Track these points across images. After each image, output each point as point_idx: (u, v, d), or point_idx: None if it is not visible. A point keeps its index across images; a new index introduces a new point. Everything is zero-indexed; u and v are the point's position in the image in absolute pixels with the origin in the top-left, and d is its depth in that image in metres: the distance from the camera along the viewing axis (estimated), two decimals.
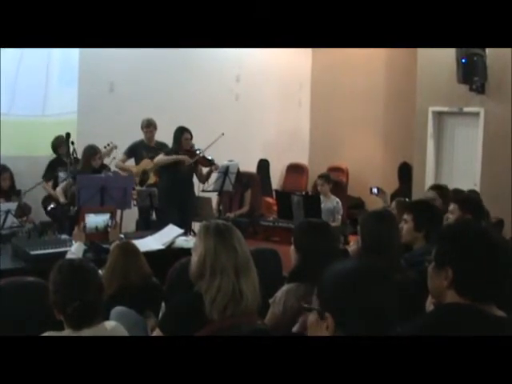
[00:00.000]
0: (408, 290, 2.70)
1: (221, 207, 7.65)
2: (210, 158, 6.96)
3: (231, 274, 2.55)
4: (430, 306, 2.37)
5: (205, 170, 7.16)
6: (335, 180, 8.79)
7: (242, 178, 7.82)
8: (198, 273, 2.62)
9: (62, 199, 6.48)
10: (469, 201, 4.46)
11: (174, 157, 6.85)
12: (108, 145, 7.22)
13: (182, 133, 6.92)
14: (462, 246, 1.89)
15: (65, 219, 6.12)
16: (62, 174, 6.98)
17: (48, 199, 7.08)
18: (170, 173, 6.96)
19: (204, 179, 7.21)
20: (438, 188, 5.35)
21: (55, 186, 7.04)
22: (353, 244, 3.47)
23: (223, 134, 7.10)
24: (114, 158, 7.43)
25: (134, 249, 3.73)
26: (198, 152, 6.91)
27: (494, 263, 1.85)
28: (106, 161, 7.10)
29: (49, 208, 6.98)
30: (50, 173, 7.12)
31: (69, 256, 4.02)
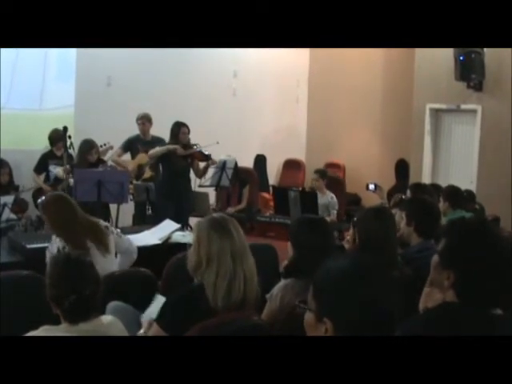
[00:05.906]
0: (405, 287, 2.70)
1: (219, 203, 7.65)
2: (206, 152, 6.98)
3: (228, 260, 2.55)
4: (422, 304, 2.37)
5: (201, 164, 7.17)
6: (334, 176, 8.78)
7: (241, 173, 7.81)
8: (195, 262, 2.61)
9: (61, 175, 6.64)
10: (446, 191, 5.24)
11: (165, 147, 6.85)
12: (104, 144, 7.20)
13: (179, 127, 6.94)
14: (469, 257, 1.82)
15: None
16: (52, 168, 6.96)
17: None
18: (166, 167, 6.97)
19: (201, 174, 7.22)
20: None
21: (47, 179, 7.04)
22: (349, 239, 3.46)
23: (218, 143, 7.07)
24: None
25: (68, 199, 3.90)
26: (194, 147, 6.92)
27: (499, 274, 1.80)
28: None
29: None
30: (42, 166, 7.10)
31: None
